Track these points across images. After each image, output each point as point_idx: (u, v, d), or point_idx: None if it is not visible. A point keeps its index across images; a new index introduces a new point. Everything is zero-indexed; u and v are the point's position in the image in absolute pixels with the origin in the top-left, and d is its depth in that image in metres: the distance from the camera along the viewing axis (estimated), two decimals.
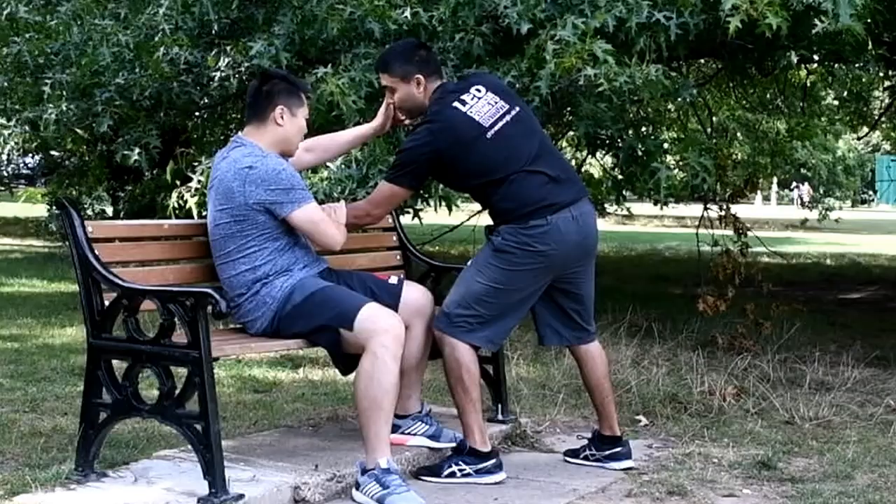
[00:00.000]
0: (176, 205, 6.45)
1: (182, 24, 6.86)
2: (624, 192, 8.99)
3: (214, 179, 3.97)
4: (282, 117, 3.98)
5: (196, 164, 6.65)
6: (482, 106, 4.07)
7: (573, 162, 11.56)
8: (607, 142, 7.36)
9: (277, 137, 4.00)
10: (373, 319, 3.78)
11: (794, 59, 8.03)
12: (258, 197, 3.83)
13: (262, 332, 3.96)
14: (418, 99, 4.15)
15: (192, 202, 6.32)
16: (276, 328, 3.94)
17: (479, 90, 4.12)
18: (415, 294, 4.19)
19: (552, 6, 5.88)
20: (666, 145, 7.35)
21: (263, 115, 3.99)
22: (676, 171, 7.21)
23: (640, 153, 6.83)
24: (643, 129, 7.35)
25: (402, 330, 3.82)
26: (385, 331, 3.76)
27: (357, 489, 3.76)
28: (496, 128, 4.04)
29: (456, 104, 4.06)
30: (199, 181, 6.33)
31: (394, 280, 4.20)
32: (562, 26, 5.57)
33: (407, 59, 4.16)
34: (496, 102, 4.10)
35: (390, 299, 4.06)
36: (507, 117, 4.08)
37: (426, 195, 6.63)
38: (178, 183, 6.72)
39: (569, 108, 6.87)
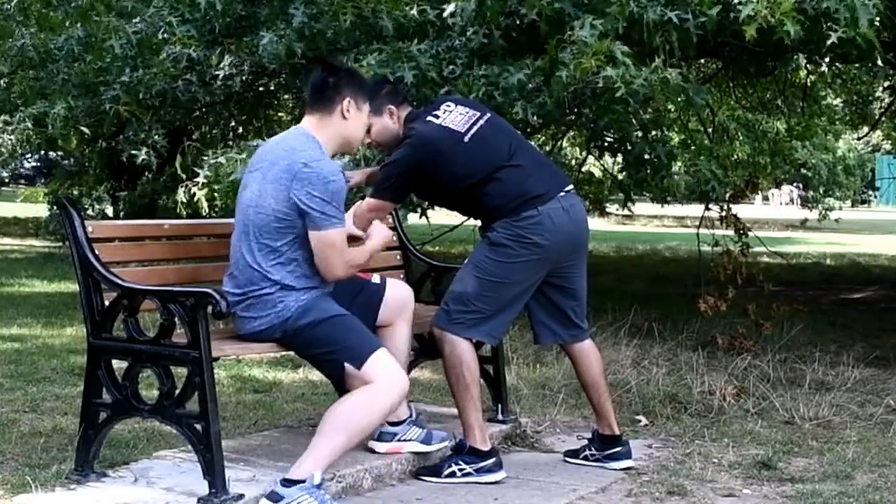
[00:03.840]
0: (184, 200, 6.37)
1: (188, 16, 6.84)
2: (632, 196, 8.99)
3: (264, 162, 3.77)
4: (348, 111, 3.80)
5: (204, 157, 6.56)
6: (455, 116, 4.20)
7: (573, 162, 11.57)
8: (615, 145, 7.36)
9: (340, 131, 3.82)
10: (385, 367, 3.65)
11: (802, 62, 8.04)
12: (298, 196, 3.63)
13: (253, 333, 3.78)
14: (393, 129, 4.24)
15: (200, 194, 6.22)
16: (274, 337, 3.79)
17: (449, 106, 4.27)
18: (397, 291, 4.16)
19: (568, 4, 5.82)
20: (675, 151, 7.37)
21: (329, 106, 3.79)
22: (685, 175, 7.23)
23: (648, 157, 6.82)
24: (652, 132, 7.34)
25: (407, 387, 3.75)
26: (395, 384, 3.65)
27: (275, 502, 3.49)
28: (472, 132, 4.17)
29: (430, 118, 4.19)
30: (205, 176, 6.24)
31: (376, 279, 4.15)
32: (580, 27, 5.49)
33: (375, 94, 4.21)
34: (467, 112, 4.24)
35: (374, 297, 4.06)
36: (481, 121, 4.22)
37: None
38: (184, 177, 6.64)
39: (576, 110, 6.83)
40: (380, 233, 4.11)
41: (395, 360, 3.74)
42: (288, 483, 3.49)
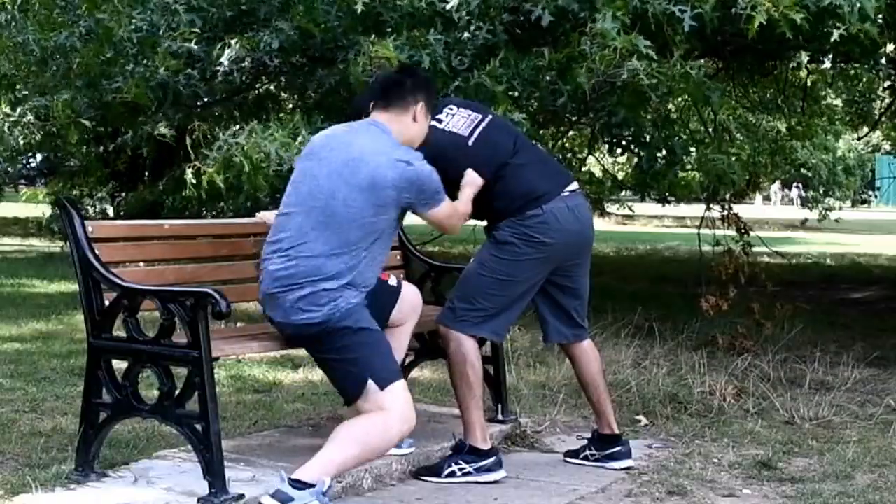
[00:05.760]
0: (193, 180, 6.23)
1: (195, 4, 6.82)
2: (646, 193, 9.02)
3: (338, 152, 3.72)
4: (419, 114, 3.87)
5: (214, 139, 6.40)
6: (458, 119, 4.22)
7: (573, 161, 11.57)
8: (628, 139, 7.35)
9: (408, 133, 3.85)
10: (405, 399, 3.61)
11: (805, 60, 8.02)
12: (407, 197, 3.69)
13: (298, 324, 3.66)
14: None
15: (211, 171, 6.03)
16: (310, 332, 3.70)
17: (451, 109, 4.28)
18: (410, 296, 4.14)
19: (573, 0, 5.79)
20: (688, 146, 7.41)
21: (404, 106, 3.85)
22: (697, 173, 7.28)
23: (663, 152, 6.81)
24: (663, 128, 7.35)
25: (414, 423, 3.69)
26: (409, 418, 3.61)
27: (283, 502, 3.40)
28: (476, 134, 4.19)
29: (433, 123, 4.18)
30: (213, 158, 6.10)
31: (393, 282, 4.15)
32: (601, 19, 5.38)
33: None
34: (469, 115, 4.26)
35: (390, 298, 4.05)
36: (483, 123, 4.24)
37: None
38: (192, 156, 6.51)
39: (588, 105, 6.80)
40: (472, 182, 4.12)
41: (410, 395, 3.69)
42: (298, 485, 3.42)
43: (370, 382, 3.58)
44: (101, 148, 12.79)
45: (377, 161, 3.68)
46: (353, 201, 3.65)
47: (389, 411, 3.56)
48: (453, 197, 4.32)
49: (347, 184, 3.66)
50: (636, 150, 7.86)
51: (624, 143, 7.96)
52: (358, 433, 3.55)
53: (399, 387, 3.62)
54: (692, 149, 8.33)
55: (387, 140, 3.77)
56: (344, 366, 3.67)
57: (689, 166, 8.75)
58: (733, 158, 7.46)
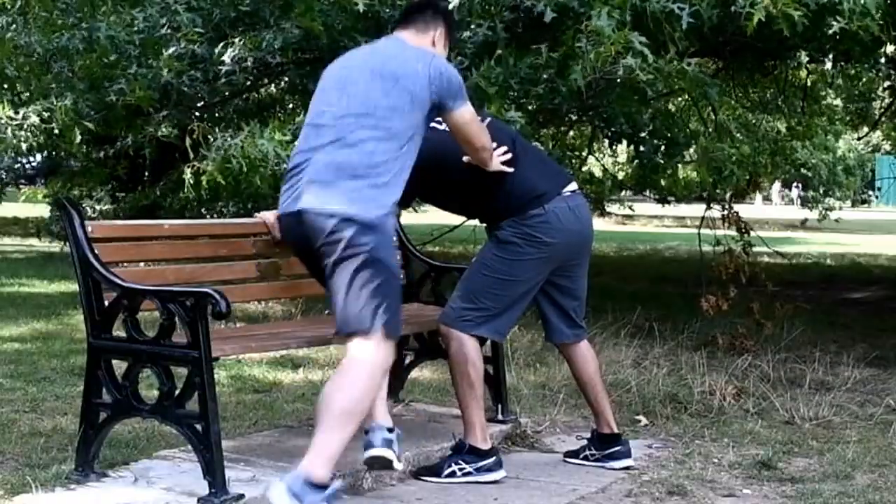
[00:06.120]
0: (191, 181, 6.19)
1: (195, 4, 6.82)
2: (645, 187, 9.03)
3: (371, 56, 3.80)
4: (437, 39, 3.90)
5: (213, 139, 6.37)
6: None
7: (573, 161, 11.58)
8: (628, 133, 7.34)
9: None
10: (391, 345, 3.59)
11: (805, 59, 8.00)
12: (436, 88, 3.68)
13: (339, 218, 3.49)
14: None
15: (212, 168, 5.98)
16: (332, 238, 3.51)
17: None
18: None
19: None
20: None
21: (426, 27, 3.88)
22: (696, 168, 7.28)
23: (664, 143, 6.80)
24: (666, 122, 7.35)
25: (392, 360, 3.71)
26: (389, 359, 3.61)
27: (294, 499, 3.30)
28: None
29: (433, 125, 4.16)
30: (213, 158, 6.06)
31: None
32: (597, 17, 5.37)
33: None
34: None
35: None
36: (482, 125, 4.19)
37: None
38: (192, 155, 6.49)
39: (588, 101, 6.80)
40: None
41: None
42: (314, 487, 3.31)
43: (381, 328, 3.49)
44: (102, 153, 12.77)
45: (403, 56, 3.74)
46: (391, 90, 3.64)
47: (376, 356, 3.49)
48: (454, 196, 4.34)
49: (381, 76, 3.67)
50: (637, 141, 7.87)
51: (626, 137, 7.98)
52: (348, 404, 3.42)
53: (394, 342, 3.61)
54: (692, 143, 8.35)
55: (406, 44, 3.82)
56: (363, 300, 3.50)
57: (688, 158, 8.76)
58: (734, 158, 7.47)
